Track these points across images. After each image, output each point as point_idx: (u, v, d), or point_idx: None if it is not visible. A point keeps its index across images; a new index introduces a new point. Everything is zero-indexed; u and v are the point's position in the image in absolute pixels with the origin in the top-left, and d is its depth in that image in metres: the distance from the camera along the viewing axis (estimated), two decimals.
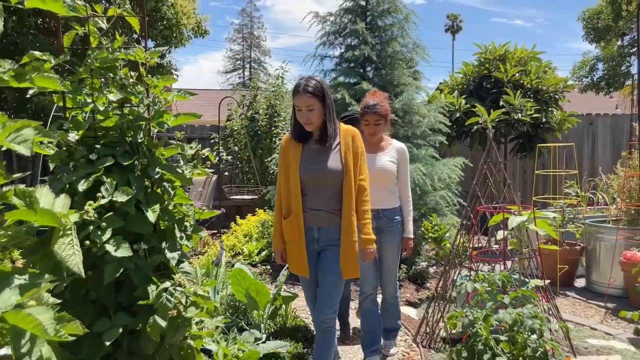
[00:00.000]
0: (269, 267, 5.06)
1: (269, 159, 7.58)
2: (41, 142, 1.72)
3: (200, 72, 76.44)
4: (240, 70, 55.00)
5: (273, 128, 8.60)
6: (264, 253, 6.39)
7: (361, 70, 6.64)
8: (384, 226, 3.38)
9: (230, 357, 2.31)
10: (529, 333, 2.07)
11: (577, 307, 4.81)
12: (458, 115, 7.59)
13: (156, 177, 1.92)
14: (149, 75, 1.96)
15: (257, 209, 7.25)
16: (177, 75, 12.96)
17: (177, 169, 1.99)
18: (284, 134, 8.75)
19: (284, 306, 3.82)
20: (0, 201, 1.01)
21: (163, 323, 1.77)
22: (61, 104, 1.96)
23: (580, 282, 5.46)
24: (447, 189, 6.23)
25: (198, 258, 5.39)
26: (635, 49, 12.92)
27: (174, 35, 9.11)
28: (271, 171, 8.13)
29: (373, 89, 3.80)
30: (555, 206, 5.54)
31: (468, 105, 7.51)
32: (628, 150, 5.48)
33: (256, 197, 7.25)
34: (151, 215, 1.85)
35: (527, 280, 3.60)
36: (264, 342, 3.26)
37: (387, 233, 3.39)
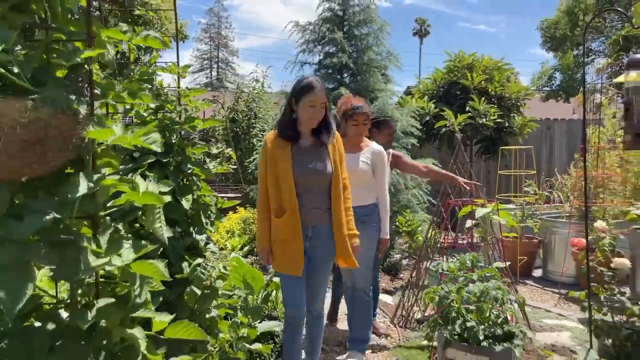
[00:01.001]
0: (258, 257, 5.44)
1: (250, 159, 7.94)
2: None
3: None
4: (208, 70, 54.87)
5: (251, 129, 8.95)
6: (246, 248, 6.74)
7: (338, 77, 7.07)
8: (358, 222, 3.69)
9: (246, 327, 2.69)
10: (494, 302, 2.52)
11: (534, 293, 5.35)
12: (428, 118, 8.12)
13: (188, 172, 2.29)
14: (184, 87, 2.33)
15: (237, 207, 7.59)
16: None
17: (205, 166, 2.36)
18: (262, 135, 9.07)
19: (274, 292, 4.21)
20: (114, 188, 1.37)
21: (198, 291, 2.14)
22: (104, 109, 2.31)
23: (537, 272, 6.03)
24: (418, 188, 6.72)
25: None
26: (590, 57, 13.82)
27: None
28: (249, 171, 8.50)
29: (347, 94, 4.22)
30: (515, 203, 6.08)
31: (437, 110, 8.04)
32: (580, 153, 6.07)
33: (239, 195, 7.59)
34: (185, 204, 2.22)
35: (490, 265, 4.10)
36: (259, 323, 3.64)
37: (361, 228, 3.67)
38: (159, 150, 1.30)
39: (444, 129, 7.84)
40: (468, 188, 3.85)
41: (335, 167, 2.80)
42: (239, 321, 2.68)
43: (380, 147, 3.57)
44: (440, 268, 2.88)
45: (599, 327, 3.44)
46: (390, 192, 6.18)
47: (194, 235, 2.34)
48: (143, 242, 1.44)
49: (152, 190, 1.44)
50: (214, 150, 2.41)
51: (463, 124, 7.72)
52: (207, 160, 2.41)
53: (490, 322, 2.57)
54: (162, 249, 2.21)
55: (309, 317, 2.95)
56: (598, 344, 3.44)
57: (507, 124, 8.28)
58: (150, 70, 2.27)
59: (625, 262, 3.45)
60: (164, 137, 2.31)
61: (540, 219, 5.91)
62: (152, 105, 2.27)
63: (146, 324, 1.46)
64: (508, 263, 3.80)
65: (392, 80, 7.23)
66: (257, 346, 3.34)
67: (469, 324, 2.55)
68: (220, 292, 2.33)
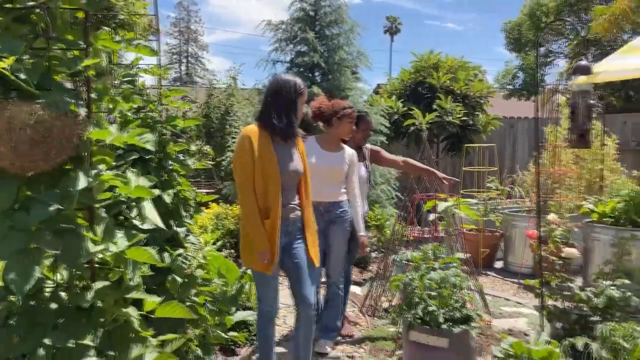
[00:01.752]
0: (232, 250, 5.59)
1: (223, 156, 8.04)
2: None
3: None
4: (177, 64, 54.27)
5: (227, 127, 9.04)
6: (219, 243, 6.87)
7: (310, 75, 7.24)
8: (334, 218, 3.71)
9: (223, 314, 2.85)
10: (453, 288, 2.75)
11: (495, 283, 5.65)
12: (396, 117, 8.36)
13: (169, 167, 2.44)
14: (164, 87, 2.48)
15: (209, 203, 7.70)
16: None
17: (185, 162, 2.51)
18: (237, 132, 9.09)
19: (248, 284, 4.37)
20: (108, 183, 1.52)
21: (180, 280, 2.30)
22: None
23: (499, 264, 6.34)
24: (387, 184, 6.98)
25: None
26: (550, 58, 14.37)
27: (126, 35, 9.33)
28: (223, 167, 8.60)
29: (319, 93, 4.36)
30: (479, 199, 6.38)
31: (405, 109, 8.30)
32: (537, 151, 6.40)
33: (213, 191, 7.70)
34: (167, 198, 2.37)
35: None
36: (235, 312, 3.81)
37: (337, 223, 3.73)
38: (152, 149, 1.46)
39: (412, 128, 8.13)
40: (446, 182, 4.05)
41: (304, 165, 2.91)
42: (217, 309, 2.83)
43: (352, 150, 3.72)
44: (404, 258, 3.09)
45: (551, 312, 3.72)
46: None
47: (174, 228, 2.49)
48: (134, 232, 1.60)
49: (143, 185, 1.59)
50: (193, 148, 2.56)
51: (430, 122, 8.02)
52: (186, 156, 2.55)
53: (449, 307, 2.80)
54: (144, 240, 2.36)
55: (302, 312, 2.93)
56: (550, 328, 3.72)
57: (471, 122, 8.60)
58: (132, 72, 2.41)
59: (574, 251, 3.74)
60: None
61: (501, 214, 6.22)
62: (135, 105, 2.40)
63: (138, 305, 1.62)
64: (469, 255, 4.05)
65: (362, 79, 7.46)
66: (232, 334, 3.52)
67: (430, 309, 2.77)
68: (199, 280, 2.48)
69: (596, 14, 9.88)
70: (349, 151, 3.66)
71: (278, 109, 2.76)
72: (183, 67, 54.01)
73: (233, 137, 8.57)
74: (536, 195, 6.06)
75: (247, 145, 2.66)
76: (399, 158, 4.35)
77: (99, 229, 1.49)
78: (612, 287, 3.36)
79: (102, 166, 1.53)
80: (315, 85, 6.99)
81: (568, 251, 3.83)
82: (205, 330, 2.68)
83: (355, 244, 3.87)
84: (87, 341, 1.35)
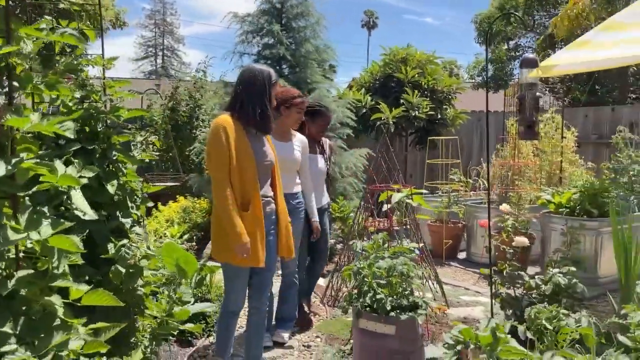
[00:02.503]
0: (194, 244, 5.57)
1: (191, 148, 7.98)
2: None
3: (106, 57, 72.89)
4: (152, 57, 53.53)
5: (194, 120, 8.98)
6: (186, 236, 6.84)
7: (277, 68, 7.23)
8: (290, 209, 3.62)
9: (172, 304, 2.85)
10: (401, 276, 2.80)
11: (457, 274, 5.75)
12: (365, 110, 8.41)
13: (113, 158, 2.43)
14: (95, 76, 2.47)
15: (177, 196, 7.65)
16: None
17: (130, 153, 2.50)
18: (206, 125, 9.01)
19: (208, 276, 4.37)
20: (33, 171, 1.52)
21: (122, 270, 2.30)
22: (30, 99, 2.41)
23: (462, 255, 6.45)
24: (354, 177, 7.02)
25: None
26: (519, 52, 14.59)
27: (94, 25, 9.19)
28: (191, 160, 8.55)
29: (283, 86, 4.36)
30: (442, 190, 6.47)
31: (373, 102, 8.35)
32: (500, 143, 6.53)
33: (179, 184, 7.65)
34: (110, 189, 2.36)
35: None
36: (192, 304, 3.81)
37: (294, 214, 3.66)
38: (71, 136, 1.46)
39: (379, 122, 8.19)
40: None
41: (274, 156, 2.92)
42: (167, 300, 2.84)
43: (304, 136, 3.70)
44: (355, 247, 3.13)
45: (504, 299, 3.82)
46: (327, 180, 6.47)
47: (120, 219, 2.48)
48: (62, 220, 1.60)
49: (71, 174, 1.59)
50: (139, 138, 2.55)
51: (397, 116, 8.08)
52: (133, 147, 2.55)
53: (397, 295, 2.85)
54: (88, 231, 2.35)
55: (254, 308, 2.99)
56: (503, 314, 3.81)
57: (439, 116, 8.70)
58: (75, 62, 2.39)
59: (524, 240, 3.83)
60: (90, 126, 2.44)
61: (464, 205, 6.32)
62: (78, 95, 2.38)
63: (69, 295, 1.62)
64: (422, 245, 4.12)
65: (329, 73, 7.48)
66: (189, 326, 3.52)
67: (378, 296, 2.81)
68: (146, 271, 2.48)
69: (561, 19, 10.10)
70: (300, 138, 3.63)
71: (252, 100, 2.71)
72: (159, 60, 53.31)
73: (203, 131, 8.52)
74: (498, 187, 6.18)
75: (223, 136, 2.61)
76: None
77: (23, 218, 1.48)
78: (559, 275, 3.47)
79: (24, 155, 1.53)
80: (282, 78, 6.99)
81: (518, 240, 3.93)
82: (155, 321, 2.69)
83: (322, 239, 3.97)
84: (7, 329, 1.35)
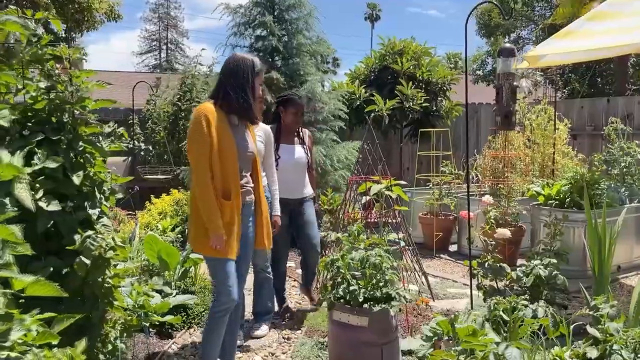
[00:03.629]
0: (179, 236, 5.57)
1: (185, 142, 7.98)
2: None
3: (112, 52, 72.99)
4: (157, 51, 53.43)
5: (190, 112, 8.96)
6: (178, 229, 6.84)
7: (270, 60, 7.19)
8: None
9: (142, 295, 2.84)
10: (373, 268, 2.79)
11: (447, 266, 5.73)
12: (358, 103, 8.37)
13: (79, 149, 2.41)
14: (72, 68, 2.44)
15: (171, 189, 7.66)
16: (85, 59, 12.92)
17: (97, 144, 2.48)
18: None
19: (193, 268, 4.37)
20: None
21: (87, 261, 2.29)
22: None
23: (454, 247, 6.42)
24: (346, 169, 6.99)
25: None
26: (520, 45, 14.46)
27: (86, 19, 9.19)
28: (184, 152, 8.55)
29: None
30: (433, 182, 6.44)
31: (367, 94, 8.31)
32: (493, 135, 6.48)
33: (170, 177, 7.66)
34: (76, 179, 2.35)
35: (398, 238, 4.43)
36: (174, 297, 3.81)
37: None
38: (5, 124, 1.44)
39: (373, 114, 8.15)
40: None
41: (256, 146, 2.92)
42: (136, 291, 2.83)
43: (267, 126, 3.62)
44: (328, 237, 3.11)
45: (486, 291, 3.80)
46: (318, 173, 6.46)
47: (88, 210, 2.47)
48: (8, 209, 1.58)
49: (14, 163, 1.57)
50: (107, 129, 2.54)
51: (392, 108, 8.05)
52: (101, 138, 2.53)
53: (372, 286, 2.83)
54: (53, 222, 2.34)
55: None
56: (487, 306, 3.79)
57: (434, 108, 8.65)
58: (40, 52, 2.37)
59: (505, 232, 3.81)
60: (56, 117, 2.43)
61: (456, 197, 6.28)
62: (42, 85, 2.37)
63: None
64: (412, 238, 4.11)
65: (322, 65, 7.44)
66: (168, 318, 3.51)
67: (351, 288, 2.80)
68: (114, 263, 2.47)
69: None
70: (262, 128, 3.52)
71: (234, 88, 2.68)
72: (163, 54, 53.21)
73: None
74: (489, 179, 6.14)
75: (204, 123, 2.59)
76: (314, 170, 4.40)
77: None
78: (540, 267, 3.44)
79: None
80: (275, 70, 6.96)
81: (500, 232, 3.90)
82: (126, 313, 2.68)
83: (309, 230, 3.94)
84: None
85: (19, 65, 2.39)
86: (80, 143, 2.43)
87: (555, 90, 13.42)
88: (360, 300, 2.74)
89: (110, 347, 2.59)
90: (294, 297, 4.46)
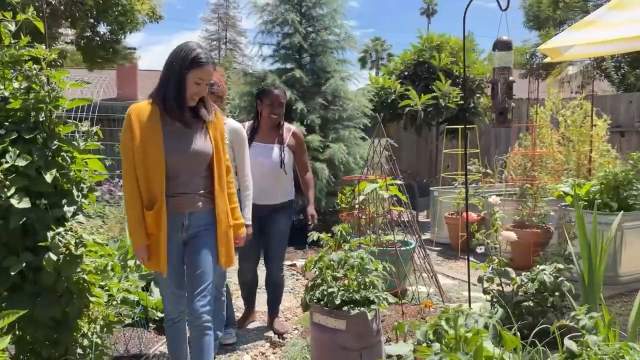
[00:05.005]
0: None
1: None
2: None
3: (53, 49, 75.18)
4: (216, 50, 54.70)
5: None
6: None
7: (297, 57, 7.18)
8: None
9: (121, 292, 2.89)
10: (351, 270, 2.70)
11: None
12: (393, 97, 8.21)
13: (54, 148, 2.47)
14: (49, 68, 2.50)
15: None
16: (136, 58, 13.37)
17: (74, 142, 2.54)
18: (229, 115, 9.13)
19: None
20: None
21: (55, 258, 2.34)
22: None
23: (481, 249, 6.17)
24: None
25: None
26: None
27: (129, 20, 9.51)
28: None
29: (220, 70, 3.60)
30: (458, 181, 6.22)
31: (402, 89, 8.14)
32: (524, 133, 6.18)
33: None
34: (48, 177, 2.40)
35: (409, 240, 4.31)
36: None
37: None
38: None
39: (407, 109, 7.98)
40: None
41: (217, 147, 2.53)
42: (117, 288, 2.88)
43: (237, 124, 3.23)
44: (312, 237, 3.05)
45: (494, 296, 3.62)
46: (340, 170, 6.38)
47: (64, 208, 2.52)
48: None
49: None
50: (83, 128, 2.58)
51: (426, 104, 7.85)
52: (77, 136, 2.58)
53: (353, 289, 2.75)
54: (28, 219, 2.41)
55: (193, 320, 2.49)
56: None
57: (471, 105, 8.36)
58: (17, 53, 2.45)
59: (510, 235, 3.61)
60: (32, 117, 2.49)
61: (483, 197, 6.04)
62: (20, 85, 2.44)
63: None
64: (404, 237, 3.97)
65: (348, 61, 7.35)
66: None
67: (330, 290, 2.72)
68: (86, 258, 2.51)
69: None
70: (231, 127, 3.14)
71: (165, 82, 2.42)
72: (222, 53, 54.41)
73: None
74: (517, 178, 5.86)
75: (128, 125, 2.41)
76: (309, 173, 3.70)
77: None
78: (545, 272, 3.24)
79: None
80: (301, 67, 6.94)
81: (505, 234, 3.70)
82: (105, 308, 2.73)
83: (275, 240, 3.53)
84: None
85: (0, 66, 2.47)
86: (55, 142, 2.48)
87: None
88: (337, 302, 2.66)
89: (86, 341, 2.64)
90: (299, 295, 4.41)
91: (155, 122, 2.42)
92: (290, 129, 3.61)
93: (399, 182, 3.61)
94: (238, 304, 4.02)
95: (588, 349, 2.01)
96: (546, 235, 5.17)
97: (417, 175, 9.44)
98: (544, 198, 5.36)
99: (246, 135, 3.26)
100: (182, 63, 2.38)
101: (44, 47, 2.52)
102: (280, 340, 3.55)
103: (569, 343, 2.06)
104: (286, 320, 3.93)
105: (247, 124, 3.58)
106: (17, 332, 2.54)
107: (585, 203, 4.80)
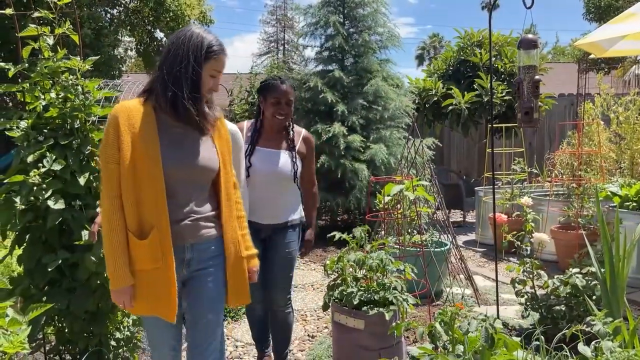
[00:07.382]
0: None
1: None
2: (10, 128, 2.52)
3: (237, 55, 76.93)
4: (275, 52, 55.42)
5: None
6: None
7: (340, 58, 7.23)
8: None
9: None
10: (370, 270, 2.73)
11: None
12: (436, 98, 8.11)
13: (87, 152, 2.65)
14: (83, 78, 2.69)
15: None
16: None
17: None
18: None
19: None
20: None
21: (95, 260, 2.51)
22: (21, 99, 2.70)
23: (526, 250, 6.00)
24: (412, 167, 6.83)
25: None
26: None
27: (180, 26, 9.88)
28: None
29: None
30: (503, 181, 6.07)
31: (445, 90, 8.02)
32: (573, 131, 5.94)
33: None
34: (82, 180, 2.58)
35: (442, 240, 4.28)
36: None
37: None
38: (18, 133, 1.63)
39: (450, 107, 7.86)
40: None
41: (223, 159, 2.02)
42: None
43: (235, 127, 2.64)
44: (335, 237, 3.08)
45: (527, 299, 3.55)
46: (381, 171, 6.38)
47: (97, 209, 2.70)
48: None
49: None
50: None
51: (470, 102, 7.70)
52: None
53: (372, 288, 2.78)
54: (64, 219, 2.60)
55: None
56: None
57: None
58: (55, 65, 2.64)
59: (542, 237, 3.51)
60: (68, 123, 2.68)
61: (530, 197, 5.87)
62: (53, 95, 2.63)
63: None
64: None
65: (390, 61, 7.32)
66: None
67: (349, 290, 2.76)
68: None
69: None
70: (229, 128, 2.42)
71: (173, 76, 1.85)
72: (280, 55, 55.08)
73: None
74: (565, 177, 5.66)
75: (114, 130, 1.83)
76: (315, 187, 3.06)
77: None
78: (578, 276, 3.14)
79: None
80: (343, 69, 6.99)
81: (537, 236, 3.60)
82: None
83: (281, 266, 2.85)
84: None
85: (39, 77, 2.67)
86: (89, 147, 2.66)
87: None
88: (355, 302, 2.70)
89: (119, 334, 2.81)
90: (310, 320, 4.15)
91: (151, 128, 1.86)
92: (300, 132, 2.98)
93: (425, 182, 3.58)
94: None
95: (602, 354, 1.96)
96: (592, 237, 4.96)
97: (466, 174, 9.27)
98: (592, 198, 5.15)
99: (242, 138, 2.74)
100: (197, 53, 1.86)
101: (78, 58, 2.70)
102: None
103: (582, 348, 2.01)
104: (318, 319, 3.99)
105: (247, 123, 2.95)
106: (56, 325, 2.75)
107: (635, 204, 4.58)
